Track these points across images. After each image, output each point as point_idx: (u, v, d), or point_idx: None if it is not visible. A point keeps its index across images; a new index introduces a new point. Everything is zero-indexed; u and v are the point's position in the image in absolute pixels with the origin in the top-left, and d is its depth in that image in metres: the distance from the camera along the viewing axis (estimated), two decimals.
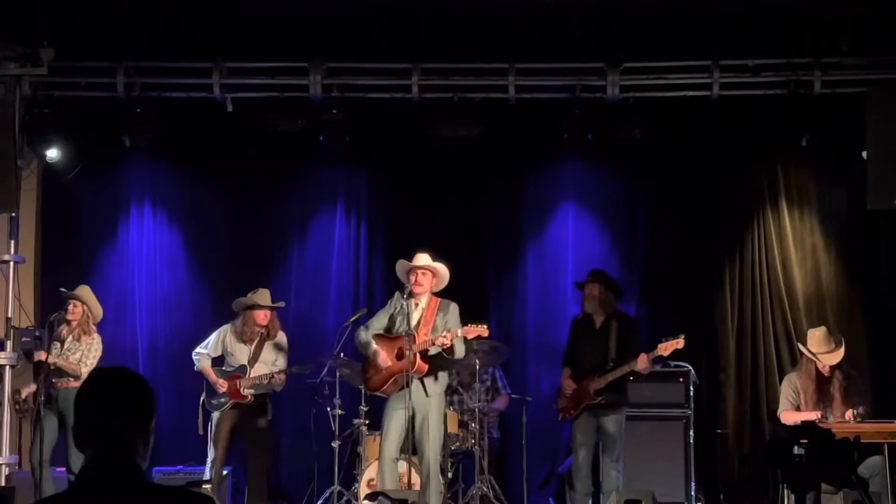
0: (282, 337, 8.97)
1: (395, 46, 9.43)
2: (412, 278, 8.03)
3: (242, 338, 8.87)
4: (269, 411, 8.89)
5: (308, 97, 9.53)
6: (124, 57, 9.41)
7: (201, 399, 8.89)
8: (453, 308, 8.08)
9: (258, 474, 8.83)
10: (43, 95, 9.29)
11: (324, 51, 9.43)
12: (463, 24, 9.17)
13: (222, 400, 8.76)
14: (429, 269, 8.06)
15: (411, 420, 7.85)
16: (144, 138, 9.64)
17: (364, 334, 8.12)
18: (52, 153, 9.42)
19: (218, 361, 8.97)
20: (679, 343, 8.28)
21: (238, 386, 8.73)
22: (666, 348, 8.26)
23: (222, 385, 8.74)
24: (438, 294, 8.16)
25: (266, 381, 8.74)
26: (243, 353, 8.84)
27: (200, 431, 8.83)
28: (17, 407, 8.92)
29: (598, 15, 9.01)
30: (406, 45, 9.41)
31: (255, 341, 8.87)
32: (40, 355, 8.58)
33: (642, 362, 8.21)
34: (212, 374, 8.83)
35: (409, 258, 8.13)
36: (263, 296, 8.90)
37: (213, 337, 8.98)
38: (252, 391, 8.73)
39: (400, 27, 9.29)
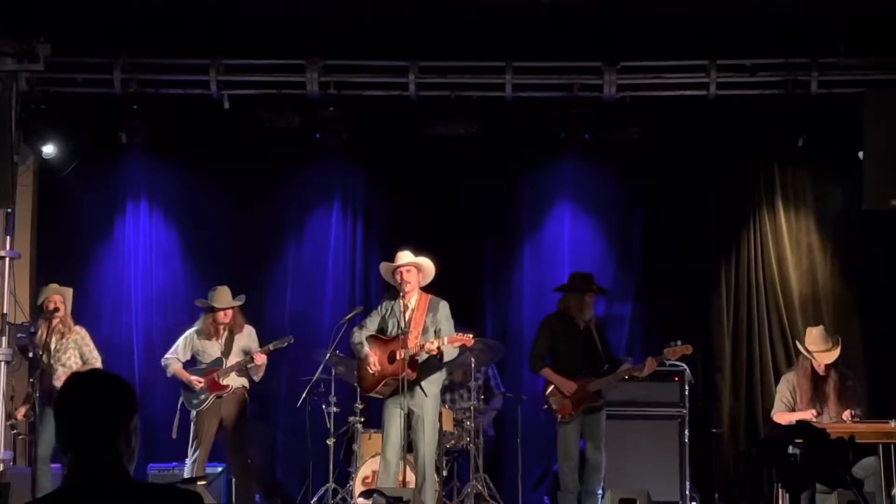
0: (249, 330, 9.00)
1: (392, 44, 9.43)
2: (397, 278, 8.04)
3: (208, 335, 8.90)
4: (247, 407, 8.90)
5: (305, 95, 9.53)
6: (121, 53, 9.40)
7: (179, 402, 8.89)
8: (443, 306, 8.09)
9: (244, 470, 8.87)
10: (40, 91, 9.28)
11: (321, 48, 9.43)
12: (460, 22, 9.17)
13: (202, 397, 8.77)
14: (412, 266, 8.06)
15: (407, 419, 7.88)
16: (141, 135, 9.64)
17: (358, 335, 8.14)
18: (49, 149, 9.41)
19: (191, 365, 8.97)
20: (687, 349, 8.37)
21: (217, 378, 8.75)
22: (674, 353, 8.32)
23: (199, 382, 8.75)
24: (429, 291, 8.16)
25: (246, 366, 8.77)
26: (214, 349, 8.88)
27: (174, 435, 8.81)
28: (13, 427, 8.89)
29: (595, 14, 9.01)
30: (403, 43, 9.41)
31: (224, 336, 8.90)
32: (19, 414, 8.62)
33: (650, 366, 8.28)
34: (185, 375, 8.84)
35: (392, 260, 8.16)
36: (221, 295, 8.90)
37: (179, 342, 9.00)
38: (230, 381, 8.75)
39: (397, 25, 9.29)
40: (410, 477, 8.11)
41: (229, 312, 8.88)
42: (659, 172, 10.17)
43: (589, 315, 8.62)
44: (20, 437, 8.95)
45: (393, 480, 7.93)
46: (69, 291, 8.94)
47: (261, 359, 8.77)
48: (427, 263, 8.13)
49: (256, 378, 8.93)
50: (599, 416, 8.52)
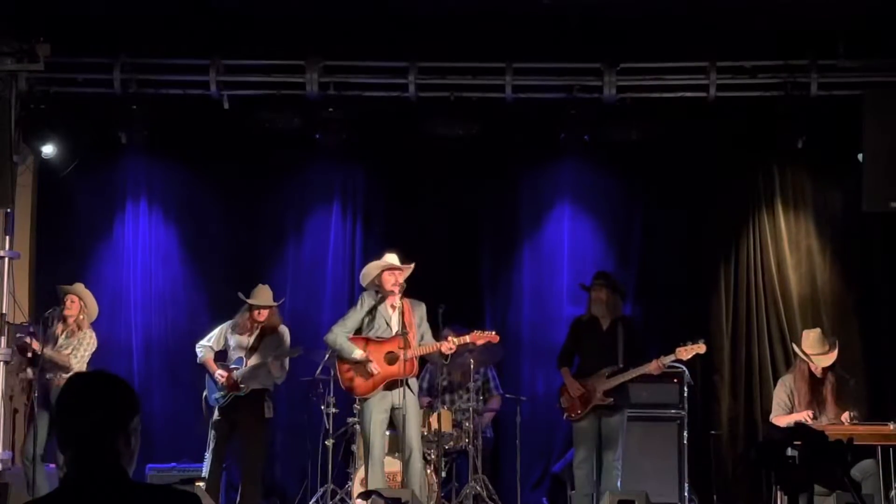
0: (283, 331, 9.02)
1: (392, 45, 9.43)
2: (391, 279, 8.03)
3: (241, 329, 8.92)
4: (269, 409, 8.89)
5: (305, 95, 9.52)
6: (121, 53, 9.39)
7: (204, 394, 8.93)
8: (423, 307, 8.19)
9: (252, 473, 8.85)
10: (39, 91, 9.27)
11: (321, 48, 9.43)
12: (460, 23, 9.16)
13: (222, 393, 8.80)
14: (404, 269, 8.09)
15: (400, 419, 7.91)
16: (141, 135, 9.63)
17: (342, 337, 8.11)
18: (49, 149, 9.41)
19: (222, 358, 9.01)
20: (701, 349, 8.31)
21: (235, 377, 8.77)
22: (686, 352, 8.27)
23: (222, 375, 8.77)
24: (405, 293, 8.18)
25: (262, 371, 8.77)
26: (242, 345, 8.90)
27: (209, 425, 8.87)
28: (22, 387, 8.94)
29: (595, 15, 9.00)
30: (403, 44, 9.41)
31: (255, 334, 8.92)
32: (33, 345, 8.55)
33: (657, 367, 8.25)
34: (213, 365, 8.89)
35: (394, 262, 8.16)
36: (262, 294, 8.95)
37: (215, 332, 9.08)
38: (248, 382, 8.75)
39: (397, 25, 9.28)
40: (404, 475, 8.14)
41: (264, 312, 8.92)
42: (658, 174, 10.17)
43: (602, 311, 8.59)
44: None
45: (382, 480, 7.94)
46: (88, 295, 8.95)
47: (273, 366, 8.79)
48: (410, 267, 8.16)
49: (278, 381, 8.96)
50: (615, 417, 8.45)
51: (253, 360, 8.83)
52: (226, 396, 8.80)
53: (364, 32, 9.36)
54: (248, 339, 8.91)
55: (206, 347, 9.00)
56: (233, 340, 8.96)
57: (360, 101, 9.62)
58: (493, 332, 8.11)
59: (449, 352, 7.94)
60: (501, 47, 9.38)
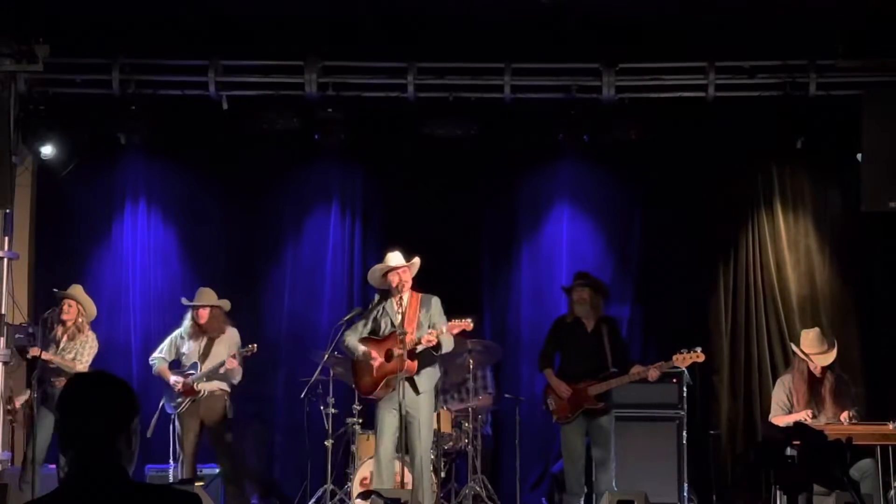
0: (231, 332, 9.01)
1: (390, 45, 9.43)
2: (395, 278, 8.03)
3: (191, 336, 8.96)
4: (230, 410, 8.92)
5: (303, 96, 9.53)
6: (120, 54, 9.40)
7: (161, 403, 8.94)
8: (435, 302, 8.12)
9: (230, 474, 8.90)
10: (38, 92, 9.28)
11: (319, 49, 9.43)
12: (459, 23, 9.17)
13: (179, 400, 8.83)
14: (407, 267, 8.08)
15: (401, 419, 7.89)
16: (139, 136, 9.63)
17: (351, 338, 8.13)
18: (47, 150, 9.41)
19: (177, 367, 9.02)
20: (699, 357, 8.29)
21: (192, 382, 8.77)
22: (683, 360, 8.25)
23: (177, 382, 8.79)
24: (418, 289, 8.17)
25: (218, 371, 8.78)
26: (193, 351, 8.92)
27: (149, 434, 8.79)
28: (9, 417, 8.92)
29: (593, 16, 9.01)
30: (402, 45, 9.41)
31: (204, 339, 8.92)
32: (34, 351, 8.55)
33: (654, 373, 8.24)
34: (168, 374, 8.92)
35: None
36: (201, 295, 8.98)
37: (166, 342, 9.09)
38: (204, 385, 8.77)
39: (396, 26, 9.29)
40: (408, 478, 8.12)
41: (204, 313, 8.92)
42: (657, 174, 10.16)
43: (585, 311, 8.57)
44: (13, 423, 8.96)
45: (387, 481, 7.95)
46: (85, 297, 8.95)
47: (231, 364, 8.78)
48: (417, 261, 8.15)
49: (234, 381, 8.95)
50: (603, 419, 8.46)
51: (207, 364, 8.83)
52: (182, 403, 8.80)
53: (363, 33, 9.36)
54: (198, 345, 8.92)
55: (159, 359, 9.01)
56: (185, 347, 8.97)
57: (359, 102, 9.63)
58: (468, 320, 8.03)
59: (429, 344, 7.91)
60: (500, 48, 9.38)
